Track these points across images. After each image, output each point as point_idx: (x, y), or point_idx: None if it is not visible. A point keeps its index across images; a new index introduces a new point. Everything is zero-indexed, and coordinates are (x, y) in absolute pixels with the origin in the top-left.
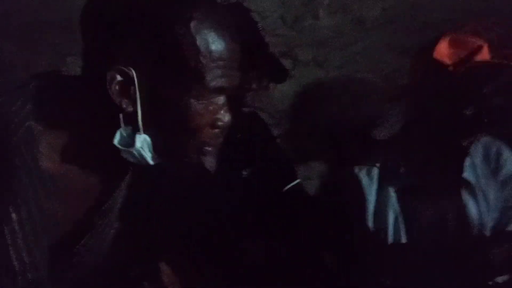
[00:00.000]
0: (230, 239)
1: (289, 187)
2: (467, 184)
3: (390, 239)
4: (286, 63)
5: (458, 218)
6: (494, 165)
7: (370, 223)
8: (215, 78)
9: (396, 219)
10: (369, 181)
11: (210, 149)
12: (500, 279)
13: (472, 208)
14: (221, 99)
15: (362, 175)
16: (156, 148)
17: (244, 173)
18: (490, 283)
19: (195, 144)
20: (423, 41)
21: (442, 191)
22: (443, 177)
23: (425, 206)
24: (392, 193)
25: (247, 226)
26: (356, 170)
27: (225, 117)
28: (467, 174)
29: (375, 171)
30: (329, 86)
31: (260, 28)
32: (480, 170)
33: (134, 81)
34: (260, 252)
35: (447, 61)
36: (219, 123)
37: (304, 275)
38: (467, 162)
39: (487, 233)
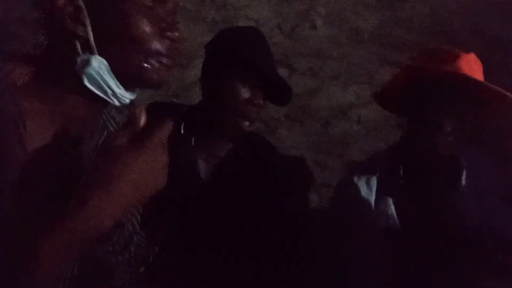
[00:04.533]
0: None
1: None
2: (464, 196)
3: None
4: (282, 71)
5: (453, 227)
6: (475, 174)
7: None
8: None
9: (394, 229)
10: (368, 190)
11: (165, 60)
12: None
13: (467, 217)
14: (163, 9)
15: (361, 184)
16: (116, 72)
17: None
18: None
19: (147, 54)
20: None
21: (437, 202)
22: (438, 187)
23: (420, 217)
24: (390, 204)
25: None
26: (355, 179)
27: (171, 26)
28: (465, 187)
29: (374, 181)
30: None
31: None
32: (478, 182)
33: (81, 5)
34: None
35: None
36: (168, 33)
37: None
38: (464, 175)
39: (470, 239)
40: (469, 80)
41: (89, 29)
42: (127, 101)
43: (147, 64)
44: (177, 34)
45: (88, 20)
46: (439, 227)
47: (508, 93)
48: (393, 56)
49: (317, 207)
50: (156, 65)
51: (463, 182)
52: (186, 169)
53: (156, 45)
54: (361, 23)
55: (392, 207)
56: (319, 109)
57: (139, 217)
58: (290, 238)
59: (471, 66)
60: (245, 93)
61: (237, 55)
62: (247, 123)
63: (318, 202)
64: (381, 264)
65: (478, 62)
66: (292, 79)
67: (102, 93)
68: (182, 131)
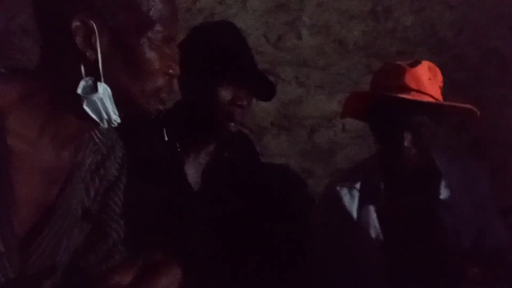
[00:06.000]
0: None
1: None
2: (444, 204)
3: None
4: None
5: (436, 235)
6: (470, 185)
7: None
8: (163, 26)
9: (377, 237)
10: (350, 199)
11: (164, 95)
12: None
13: (449, 225)
14: (170, 48)
15: (344, 193)
16: (116, 100)
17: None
18: None
19: (151, 89)
20: None
21: (419, 209)
22: (419, 196)
23: (402, 225)
24: (372, 212)
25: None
26: (338, 188)
27: (174, 64)
28: (445, 196)
29: (356, 190)
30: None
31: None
32: (457, 190)
33: (94, 30)
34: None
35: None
36: (170, 71)
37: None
38: (443, 183)
39: (464, 249)
40: (412, 101)
41: (99, 54)
42: (116, 124)
43: (148, 97)
44: (177, 72)
45: (99, 45)
46: (422, 236)
47: (453, 103)
48: (377, 66)
49: None
50: (155, 99)
51: (443, 191)
52: (174, 176)
53: (160, 81)
54: (346, 34)
55: (374, 216)
56: (304, 117)
57: (123, 225)
58: (281, 240)
59: (419, 77)
60: (227, 95)
61: (213, 53)
62: (232, 124)
63: None
64: (365, 273)
65: (429, 70)
66: (278, 87)
67: (97, 117)
68: (166, 138)
